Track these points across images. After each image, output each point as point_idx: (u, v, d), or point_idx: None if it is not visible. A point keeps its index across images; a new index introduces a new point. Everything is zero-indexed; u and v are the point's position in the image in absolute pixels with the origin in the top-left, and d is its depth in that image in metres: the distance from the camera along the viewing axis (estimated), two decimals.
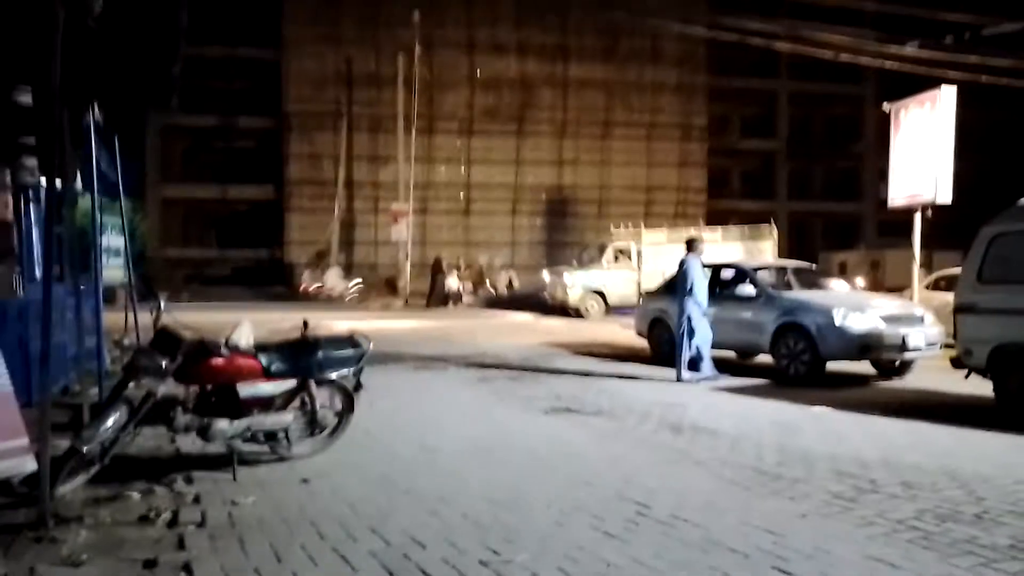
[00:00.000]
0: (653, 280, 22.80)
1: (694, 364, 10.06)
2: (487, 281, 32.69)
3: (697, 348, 10.03)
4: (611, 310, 23.06)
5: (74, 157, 7.26)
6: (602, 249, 24.37)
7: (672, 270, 22.70)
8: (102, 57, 6.26)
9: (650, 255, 23.42)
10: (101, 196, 7.81)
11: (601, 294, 23.08)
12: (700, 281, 10.09)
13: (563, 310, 22.86)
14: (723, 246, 22.75)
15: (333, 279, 32.93)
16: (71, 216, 7.62)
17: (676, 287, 10.38)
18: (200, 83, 35.15)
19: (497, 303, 28.20)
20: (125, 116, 8.57)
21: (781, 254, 34.88)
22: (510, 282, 31.63)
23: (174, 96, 8.31)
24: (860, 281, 14.93)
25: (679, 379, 9.86)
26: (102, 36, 5.89)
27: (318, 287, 32.33)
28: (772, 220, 25.26)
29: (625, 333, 16.83)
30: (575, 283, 23.05)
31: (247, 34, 36.44)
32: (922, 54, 21.12)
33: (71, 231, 7.76)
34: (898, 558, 3.76)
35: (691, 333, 9.96)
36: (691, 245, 10.50)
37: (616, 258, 23.65)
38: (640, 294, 23.03)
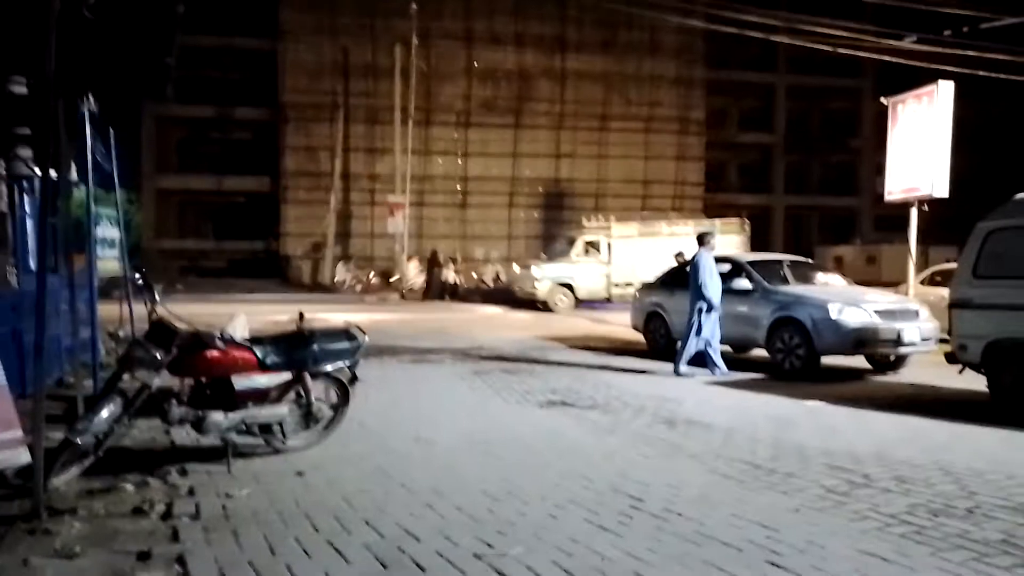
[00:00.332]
0: (622, 273, 22.83)
1: (698, 359, 10.05)
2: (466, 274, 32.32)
3: (707, 344, 10.02)
4: (580, 303, 22.93)
5: (69, 148, 7.23)
6: (571, 242, 24.11)
7: (644, 264, 22.67)
8: (97, 47, 6.22)
9: (620, 248, 23.33)
10: (96, 187, 7.79)
11: (570, 287, 22.90)
12: (712, 276, 10.01)
13: (533, 303, 22.74)
14: (693, 240, 22.59)
15: (414, 272, 31.99)
16: (66, 207, 7.61)
17: (687, 282, 10.34)
18: (196, 73, 35.01)
19: (481, 296, 28.05)
20: (120, 106, 8.52)
21: (777, 248, 34.87)
22: (496, 275, 31.62)
23: (170, 86, 8.25)
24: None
25: (676, 372, 9.87)
26: (97, 25, 5.85)
27: (396, 280, 30.86)
28: (742, 215, 25.25)
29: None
30: (544, 276, 22.85)
31: (243, 23, 36.28)
32: (920, 48, 21.11)
33: (66, 222, 7.75)
34: (890, 552, 3.77)
35: (699, 329, 9.95)
36: (702, 239, 10.45)
37: (586, 251, 23.42)
38: (609, 287, 23.02)
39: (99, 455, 4.82)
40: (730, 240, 23.41)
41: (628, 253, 23.18)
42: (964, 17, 21.50)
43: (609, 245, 23.41)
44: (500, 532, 4.04)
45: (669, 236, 23.76)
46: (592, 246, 23.51)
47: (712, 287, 9.95)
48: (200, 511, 4.32)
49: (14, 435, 4.25)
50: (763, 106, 45.35)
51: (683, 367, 9.93)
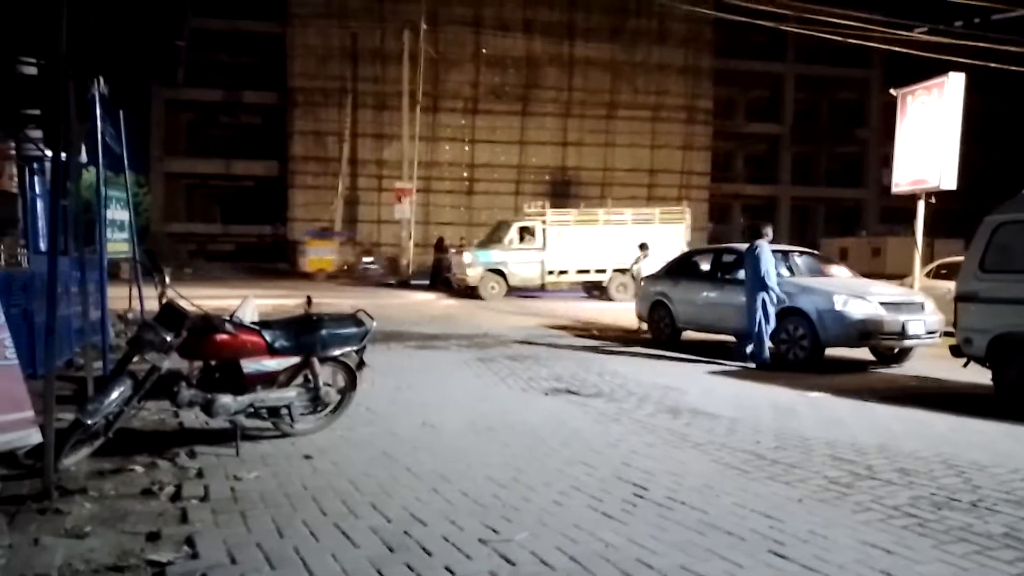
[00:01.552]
0: (558, 261, 22.38)
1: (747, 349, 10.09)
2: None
3: (758, 332, 10.02)
4: (513, 291, 22.45)
5: (79, 129, 7.25)
6: (506, 227, 23.51)
7: (581, 252, 22.09)
8: (108, 29, 6.23)
9: (556, 235, 22.74)
10: (106, 169, 7.82)
11: (502, 274, 22.32)
12: (772, 267, 10.00)
13: (465, 291, 22.36)
14: (633, 228, 22.14)
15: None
16: (76, 189, 7.64)
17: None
18: (205, 56, 34.99)
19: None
20: (130, 88, 8.53)
21: (784, 239, 34.71)
22: None
23: (180, 69, 8.27)
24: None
25: (761, 363, 9.88)
26: (108, 7, 5.86)
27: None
28: (684, 203, 24.77)
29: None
30: (475, 262, 22.29)
31: (252, 7, 36.22)
32: (931, 39, 20.98)
33: (76, 204, 7.77)
34: (892, 544, 3.80)
35: (767, 318, 9.98)
36: (758, 231, 10.46)
37: (521, 237, 22.74)
38: (543, 275, 22.37)
39: (109, 436, 4.86)
40: (673, 230, 22.77)
41: (564, 240, 22.64)
42: (976, 8, 21.35)
43: (544, 232, 22.76)
44: (505, 518, 4.08)
45: (606, 224, 23.30)
46: (527, 232, 22.78)
47: (771, 278, 9.96)
48: (209, 493, 4.37)
49: (25, 415, 4.29)
50: (771, 96, 45.20)
51: (766, 353, 9.99)
